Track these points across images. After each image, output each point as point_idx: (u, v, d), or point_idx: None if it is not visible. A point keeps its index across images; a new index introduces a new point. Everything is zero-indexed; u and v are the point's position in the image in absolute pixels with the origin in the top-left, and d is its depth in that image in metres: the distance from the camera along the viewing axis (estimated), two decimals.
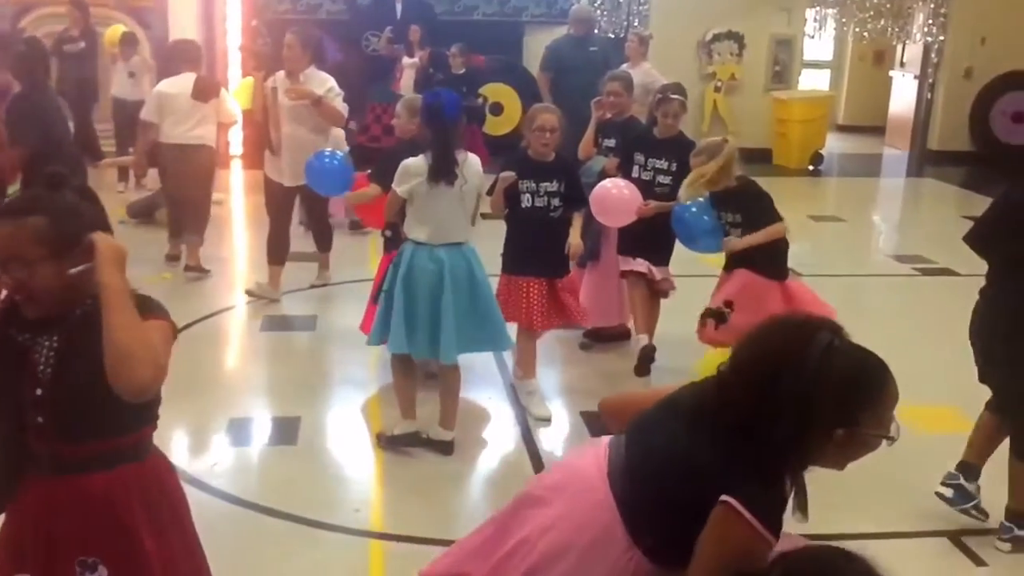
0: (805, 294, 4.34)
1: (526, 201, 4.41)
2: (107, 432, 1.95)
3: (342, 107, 5.82)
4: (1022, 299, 3.35)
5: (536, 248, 4.44)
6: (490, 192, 4.34)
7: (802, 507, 1.82)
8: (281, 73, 5.81)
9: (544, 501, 1.99)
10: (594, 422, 4.44)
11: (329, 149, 5.33)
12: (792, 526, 1.86)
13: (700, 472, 1.78)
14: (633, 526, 1.85)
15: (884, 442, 1.78)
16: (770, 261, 4.30)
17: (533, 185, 4.40)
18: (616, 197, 4.69)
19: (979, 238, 3.55)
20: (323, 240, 6.46)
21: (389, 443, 4.13)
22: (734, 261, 4.34)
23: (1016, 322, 3.34)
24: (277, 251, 6.07)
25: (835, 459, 1.80)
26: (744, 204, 4.29)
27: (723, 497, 1.72)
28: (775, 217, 4.30)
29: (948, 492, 3.62)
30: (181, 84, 6.35)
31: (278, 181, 5.94)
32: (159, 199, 7.65)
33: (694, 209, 4.44)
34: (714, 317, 4.21)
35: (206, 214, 6.63)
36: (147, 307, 1.99)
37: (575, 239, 4.48)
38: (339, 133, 7.55)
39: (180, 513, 2.17)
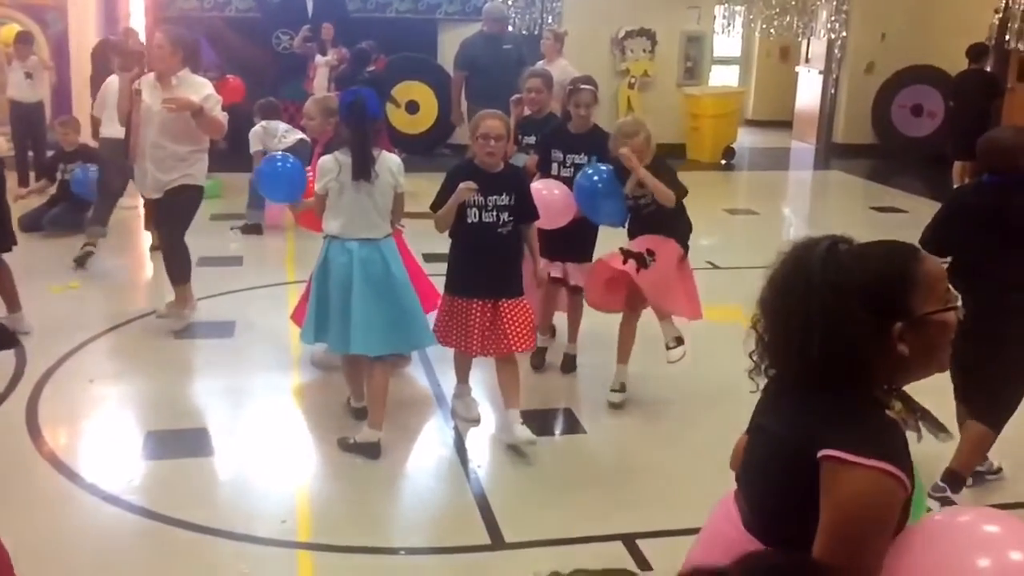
0: (692, 278, 4.60)
1: (472, 216, 4.06)
2: None
3: (224, 116, 5.34)
4: (993, 291, 3.43)
5: (483, 267, 4.10)
6: (436, 206, 4.07)
7: (932, 424, 1.65)
8: (150, 75, 5.29)
9: None
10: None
11: (280, 153, 4.91)
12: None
13: (793, 451, 1.60)
14: (781, 546, 1.65)
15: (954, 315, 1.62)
16: (681, 233, 4.52)
17: (480, 198, 4.05)
18: (549, 200, 4.66)
19: (932, 241, 3.64)
20: (178, 268, 5.55)
21: (348, 411, 4.39)
22: (645, 229, 4.48)
23: (992, 309, 3.41)
24: (172, 269, 5.56)
25: (920, 359, 1.61)
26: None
27: (819, 454, 1.54)
28: (680, 189, 4.46)
29: (935, 506, 3.55)
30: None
31: (144, 195, 5.47)
32: (52, 214, 7.45)
33: (596, 178, 4.55)
34: (636, 259, 4.33)
35: None
36: None
37: (542, 273, 4.31)
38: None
39: None
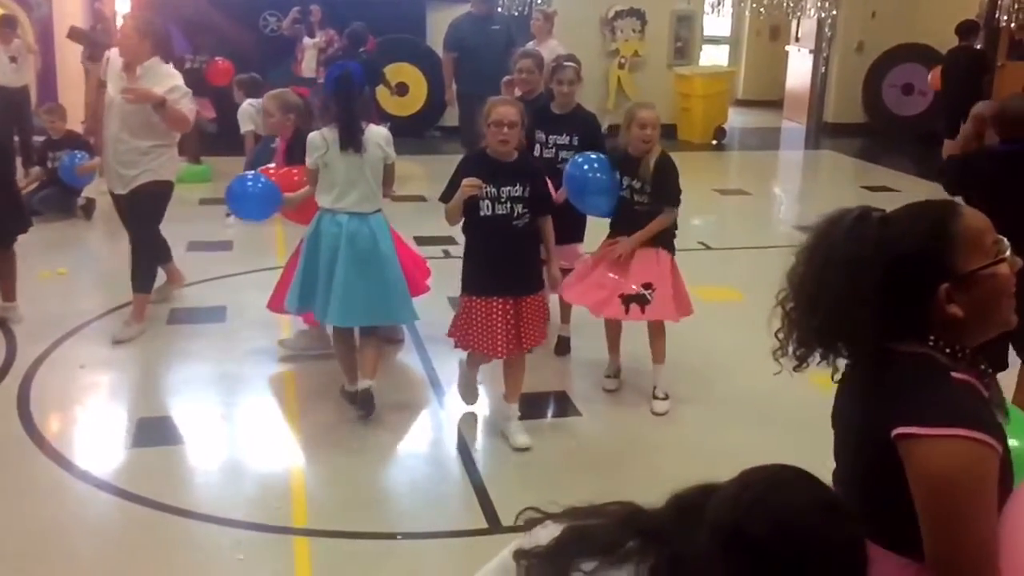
0: (681, 279, 4.46)
1: (485, 208, 3.84)
2: None
3: (189, 109, 5.03)
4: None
5: (498, 263, 3.88)
6: (446, 198, 3.91)
7: (995, 396, 1.54)
8: (117, 64, 4.98)
9: None
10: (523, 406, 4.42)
11: (252, 172, 4.71)
12: None
13: (867, 435, 1.51)
14: (893, 544, 1.52)
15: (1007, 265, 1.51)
16: (670, 236, 4.42)
17: (493, 190, 3.83)
18: None
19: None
20: (143, 274, 5.18)
21: (343, 395, 4.36)
22: (634, 227, 4.30)
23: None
24: (136, 274, 5.18)
25: (977, 319, 1.51)
26: (657, 179, 4.29)
27: (892, 434, 1.43)
28: (676, 201, 4.34)
29: None
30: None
31: (110, 189, 5.23)
32: (42, 195, 7.38)
33: (587, 167, 4.40)
34: (637, 301, 4.24)
35: None
36: None
37: (555, 270, 4.12)
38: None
39: None
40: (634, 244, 4.28)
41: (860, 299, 1.49)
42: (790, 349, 1.61)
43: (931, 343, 1.53)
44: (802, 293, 1.57)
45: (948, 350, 1.53)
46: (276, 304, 4.82)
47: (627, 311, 4.26)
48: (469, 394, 4.34)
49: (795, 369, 1.65)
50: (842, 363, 1.64)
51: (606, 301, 4.32)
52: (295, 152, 4.66)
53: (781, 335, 1.62)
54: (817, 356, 1.61)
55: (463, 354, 4.27)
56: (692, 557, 1.25)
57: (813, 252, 1.56)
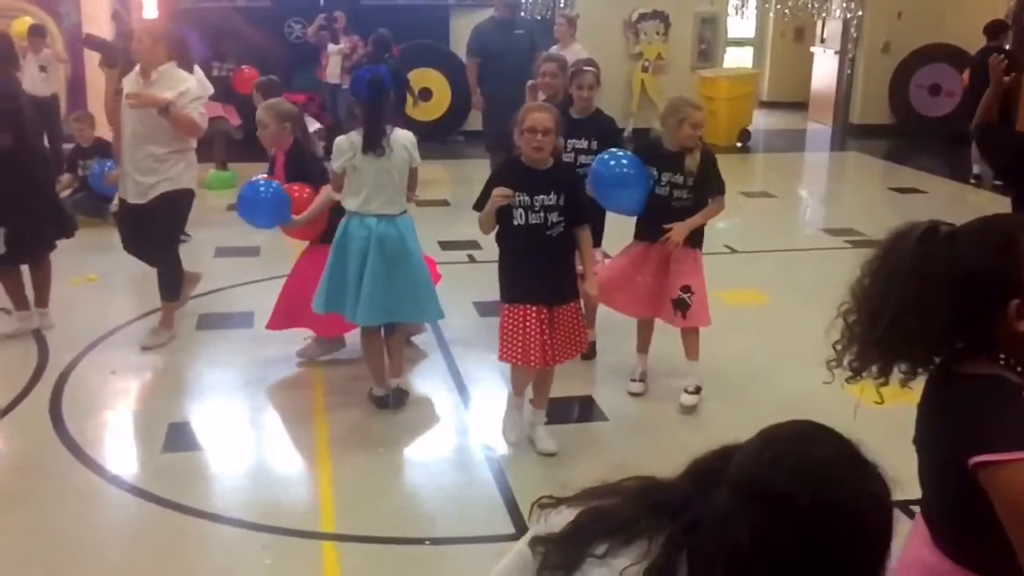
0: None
1: (518, 217, 3.78)
2: None
3: (200, 114, 4.91)
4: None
5: (532, 272, 3.81)
6: (479, 207, 3.86)
7: None
8: (135, 69, 4.94)
9: None
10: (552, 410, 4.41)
11: (263, 177, 4.61)
12: None
13: (947, 462, 1.50)
14: (978, 567, 1.54)
15: None
16: (702, 235, 4.42)
17: (526, 198, 3.75)
18: None
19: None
20: (170, 282, 5.17)
21: (371, 399, 4.42)
22: (669, 222, 4.27)
23: None
24: (164, 283, 5.17)
25: None
26: (706, 171, 4.28)
27: (971, 463, 1.42)
28: (724, 189, 4.36)
29: None
30: None
31: (124, 198, 5.11)
32: (75, 199, 7.48)
33: (613, 162, 4.32)
34: (678, 306, 4.28)
35: None
36: None
37: (590, 285, 3.99)
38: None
39: None
40: (691, 227, 4.25)
41: (924, 315, 1.48)
42: (845, 360, 1.60)
43: (1001, 361, 1.52)
44: (865, 306, 1.56)
45: (1020, 368, 1.51)
46: (276, 323, 4.79)
47: (675, 315, 4.33)
48: (513, 426, 4.12)
49: (848, 380, 1.63)
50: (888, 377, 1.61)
51: (659, 308, 4.39)
52: (294, 164, 4.60)
53: (839, 346, 1.60)
54: (874, 370, 1.59)
55: (491, 357, 4.25)
56: (712, 518, 1.21)
57: (879, 266, 1.55)
